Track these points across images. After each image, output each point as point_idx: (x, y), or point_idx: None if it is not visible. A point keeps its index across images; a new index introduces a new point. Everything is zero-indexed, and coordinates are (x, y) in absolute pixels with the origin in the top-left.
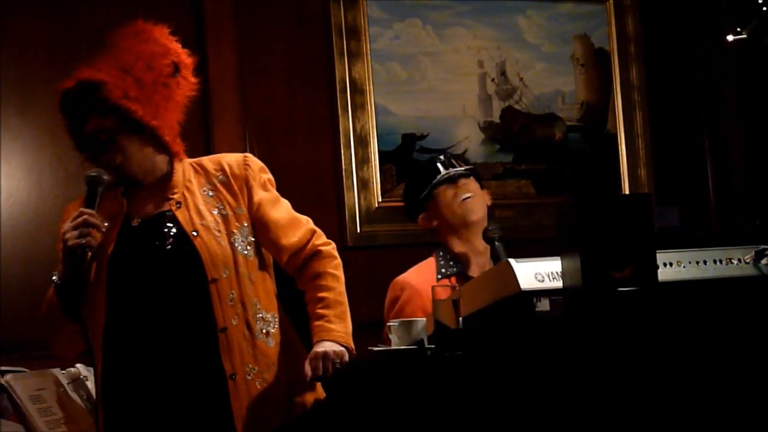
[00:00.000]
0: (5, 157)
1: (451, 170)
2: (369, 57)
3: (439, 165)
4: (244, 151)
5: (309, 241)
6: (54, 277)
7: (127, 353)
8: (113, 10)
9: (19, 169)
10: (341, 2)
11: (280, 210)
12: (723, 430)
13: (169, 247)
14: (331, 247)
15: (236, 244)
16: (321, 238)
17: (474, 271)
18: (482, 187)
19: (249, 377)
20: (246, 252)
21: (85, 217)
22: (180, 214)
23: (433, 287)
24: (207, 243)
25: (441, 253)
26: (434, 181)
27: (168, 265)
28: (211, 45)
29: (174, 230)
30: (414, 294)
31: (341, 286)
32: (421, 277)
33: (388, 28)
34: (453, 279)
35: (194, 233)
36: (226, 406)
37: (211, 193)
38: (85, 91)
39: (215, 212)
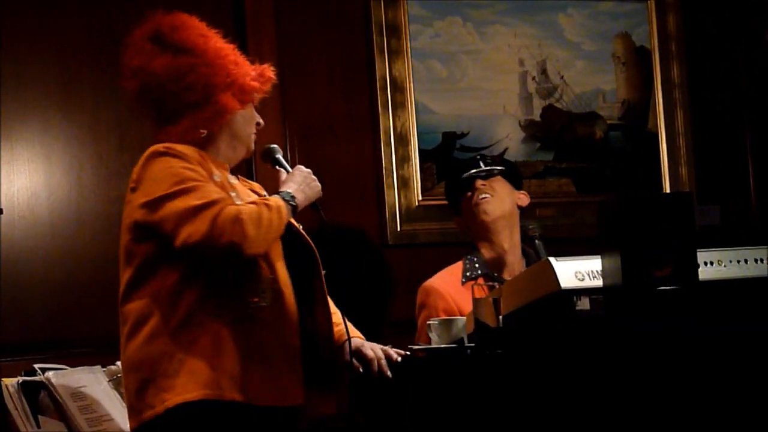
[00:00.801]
0: (47, 154)
1: (470, 173)
2: (409, 55)
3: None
4: (284, 149)
5: None
6: (291, 200)
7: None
8: (154, 9)
9: (60, 166)
10: (382, 0)
11: None
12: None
13: (294, 230)
14: None
15: None
16: None
17: (506, 273)
18: (520, 187)
19: None
20: None
21: None
22: None
23: (472, 286)
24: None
25: (469, 257)
26: (456, 192)
27: (300, 247)
28: (252, 44)
29: None
30: (439, 298)
31: None
32: (447, 282)
33: (428, 26)
34: (480, 280)
35: (300, 226)
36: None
37: None
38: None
39: None
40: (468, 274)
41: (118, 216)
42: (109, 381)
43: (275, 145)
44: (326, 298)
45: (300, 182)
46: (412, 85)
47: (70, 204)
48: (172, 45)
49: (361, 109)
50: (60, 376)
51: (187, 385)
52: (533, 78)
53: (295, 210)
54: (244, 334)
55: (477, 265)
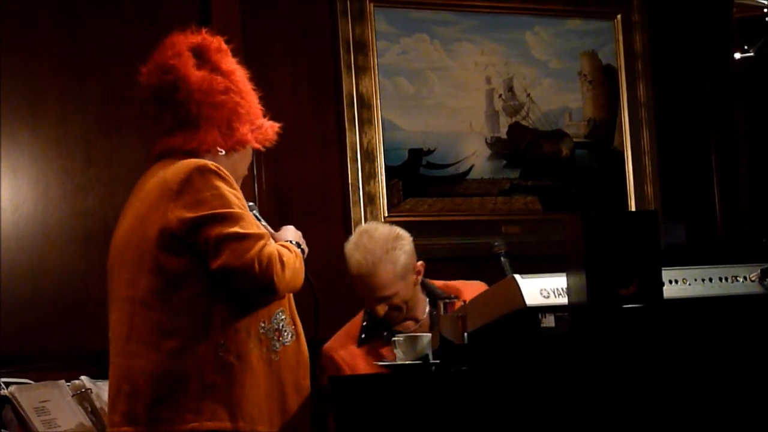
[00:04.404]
0: (13, 169)
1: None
2: (376, 71)
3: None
4: (251, 165)
5: None
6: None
7: None
8: (122, 24)
9: (26, 181)
10: (349, 16)
11: None
12: None
13: None
14: None
15: None
16: None
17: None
18: (414, 260)
19: None
20: None
21: None
22: None
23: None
24: None
25: (369, 311)
26: None
27: None
28: None
29: None
30: (329, 364)
31: None
32: (342, 344)
33: (395, 42)
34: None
35: None
36: None
37: None
38: None
39: None
40: (363, 336)
41: (83, 230)
42: (73, 395)
43: (251, 203)
44: None
45: (297, 239)
46: (378, 101)
47: (36, 218)
48: (212, 63)
49: (327, 125)
50: (24, 391)
51: (217, 411)
52: (500, 95)
53: None
54: (269, 370)
55: (375, 324)
